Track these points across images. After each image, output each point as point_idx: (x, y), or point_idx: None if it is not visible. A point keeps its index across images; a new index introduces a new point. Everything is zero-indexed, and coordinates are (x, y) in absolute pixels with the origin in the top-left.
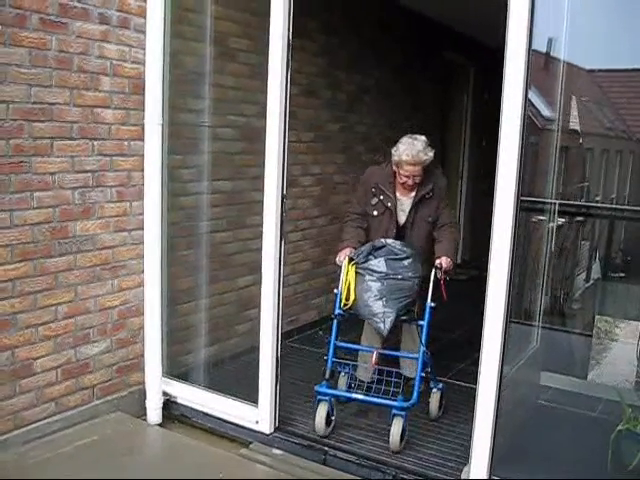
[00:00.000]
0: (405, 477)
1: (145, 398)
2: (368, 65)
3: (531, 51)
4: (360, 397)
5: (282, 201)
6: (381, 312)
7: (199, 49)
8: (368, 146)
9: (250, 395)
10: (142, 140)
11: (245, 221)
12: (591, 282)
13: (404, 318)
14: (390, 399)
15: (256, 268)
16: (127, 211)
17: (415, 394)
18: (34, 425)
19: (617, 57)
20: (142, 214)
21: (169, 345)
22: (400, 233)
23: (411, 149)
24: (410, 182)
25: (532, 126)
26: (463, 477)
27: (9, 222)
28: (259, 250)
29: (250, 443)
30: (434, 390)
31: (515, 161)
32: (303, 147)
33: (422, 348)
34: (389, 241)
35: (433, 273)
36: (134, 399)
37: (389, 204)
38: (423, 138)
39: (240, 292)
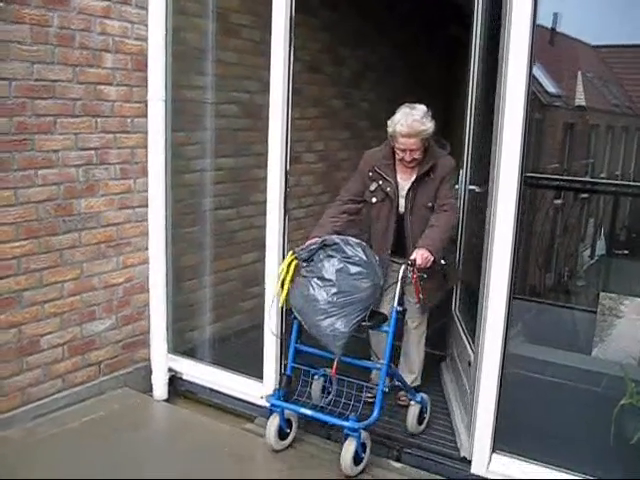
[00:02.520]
0: (409, 451)
1: (151, 374)
2: (372, 41)
3: (535, 21)
4: (309, 413)
5: (286, 178)
6: (330, 333)
7: (201, 25)
8: (372, 122)
9: (255, 371)
10: (145, 117)
11: (249, 198)
12: (595, 259)
13: (367, 324)
14: (344, 417)
15: (260, 245)
16: (131, 188)
17: (375, 412)
18: (41, 401)
19: (623, 33)
20: (146, 191)
21: (174, 322)
22: (400, 224)
23: (406, 118)
24: (407, 158)
25: (536, 103)
26: (463, 454)
27: (14, 200)
28: (263, 227)
29: (255, 418)
30: (412, 403)
31: (519, 137)
32: (307, 124)
33: (385, 360)
34: (341, 238)
35: (402, 269)
36: (140, 375)
37: (388, 189)
38: (422, 107)
39: (244, 269)
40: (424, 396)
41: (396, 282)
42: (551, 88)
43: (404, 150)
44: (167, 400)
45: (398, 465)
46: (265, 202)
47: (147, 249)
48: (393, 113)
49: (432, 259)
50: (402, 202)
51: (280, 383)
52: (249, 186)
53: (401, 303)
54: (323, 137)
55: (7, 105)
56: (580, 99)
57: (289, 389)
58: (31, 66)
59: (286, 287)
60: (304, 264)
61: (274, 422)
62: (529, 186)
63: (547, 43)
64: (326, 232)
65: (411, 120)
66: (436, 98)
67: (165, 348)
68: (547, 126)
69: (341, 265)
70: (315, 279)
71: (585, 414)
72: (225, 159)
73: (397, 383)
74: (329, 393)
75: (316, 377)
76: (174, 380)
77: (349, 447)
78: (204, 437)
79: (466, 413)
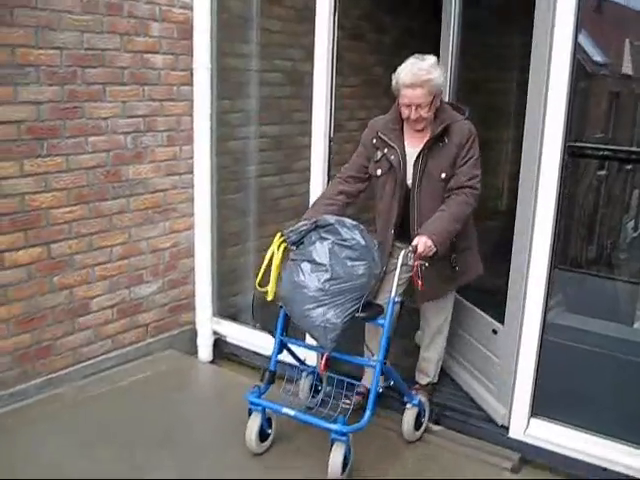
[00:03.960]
0: (447, 413)
1: (196, 337)
2: (413, 8)
3: None
4: (292, 413)
5: (329, 145)
6: (321, 325)
7: None
8: None
9: (297, 333)
10: (191, 85)
11: (292, 165)
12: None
13: (361, 316)
14: (330, 420)
15: (303, 212)
16: (177, 155)
17: (366, 415)
18: (92, 361)
19: None
20: (192, 158)
21: (219, 286)
22: (408, 200)
23: (411, 67)
24: (413, 115)
25: (582, 72)
26: (499, 421)
27: (65, 166)
28: (306, 194)
29: (298, 380)
30: (408, 406)
31: (563, 105)
32: (349, 91)
33: (380, 356)
34: (336, 219)
35: (402, 255)
36: (186, 338)
37: (392, 157)
38: (433, 57)
39: None
40: (422, 399)
41: (395, 270)
42: (597, 57)
43: (409, 105)
44: (212, 362)
45: (437, 428)
46: (308, 170)
47: (193, 215)
48: None
49: (434, 250)
50: (410, 173)
51: (262, 379)
52: (292, 154)
53: (400, 293)
54: (365, 105)
55: (59, 74)
56: (627, 67)
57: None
58: (81, 35)
59: (274, 275)
60: (293, 247)
61: (255, 423)
62: (572, 156)
63: (593, 11)
64: (318, 212)
65: (416, 68)
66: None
67: (210, 312)
68: (592, 95)
69: (335, 248)
70: (305, 263)
71: (624, 383)
72: (269, 127)
73: (391, 383)
74: (318, 392)
75: (304, 374)
76: (218, 343)
77: (337, 452)
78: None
79: (492, 382)
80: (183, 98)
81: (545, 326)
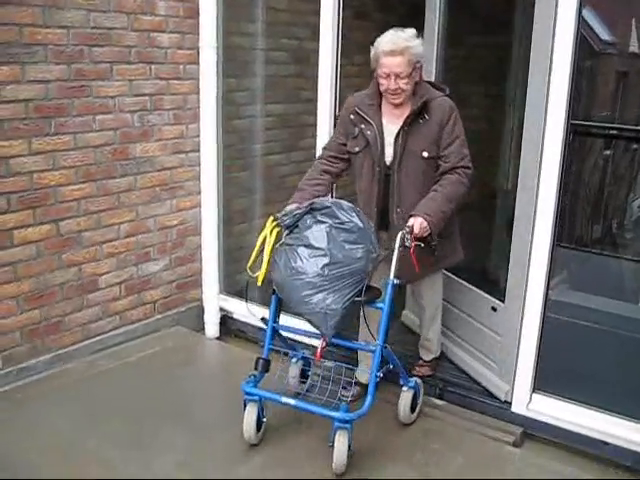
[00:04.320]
0: (451, 389)
1: (203, 314)
2: None
3: None
4: (292, 403)
5: (334, 123)
6: (320, 311)
7: None
8: None
9: None
10: (197, 64)
11: (298, 144)
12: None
13: (360, 299)
14: (332, 408)
15: None
16: (184, 133)
17: (367, 401)
18: (100, 337)
19: None
20: (198, 136)
21: (226, 263)
22: (388, 180)
23: (390, 36)
24: (392, 85)
25: (589, 49)
26: (501, 396)
27: (73, 144)
28: None
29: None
30: (404, 389)
31: (566, 82)
32: (355, 70)
33: (379, 340)
34: (333, 201)
35: (399, 237)
36: (193, 314)
37: (369, 133)
38: (413, 30)
39: None
40: (418, 381)
41: (387, 252)
42: (604, 35)
43: (388, 76)
44: (218, 338)
45: (441, 402)
46: (313, 148)
47: (199, 193)
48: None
49: (429, 232)
50: (389, 151)
51: (256, 367)
52: (298, 132)
53: (397, 276)
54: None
55: (66, 52)
56: (634, 46)
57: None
58: (88, 14)
59: (267, 261)
60: (286, 231)
61: (252, 414)
62: (578, 134)
63: None
64: (306, 199)
65: (396, 37)
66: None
67: (217, 288)
68: (599, 74)
69: (333, 232)
70: (302, 248)
71: (627, 359)
72: (275, 105)
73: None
74: (307, 378)
75: (294, 360)
76: (225, 319)
77: (341, 441)
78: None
79: (493, 359)
80: (189, 77)
81: (547, 303)
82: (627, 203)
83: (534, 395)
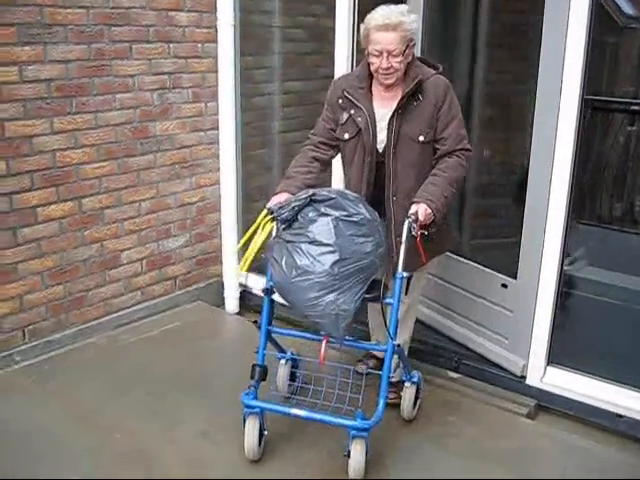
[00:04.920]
0: (466, 362)
1: (223, 289)
2: None
3: None
4: (302, 414)
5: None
6: (332, 313)
7: None
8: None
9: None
10: (215, 42)
11: (315, 121)
12: None
13: (369, 297)
14: (346, 416)
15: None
16: (202, 111)
17: (380, 405)
18: (122, 312)
19: None
20: (217, 114)
21: None
22: (381, 168)
23: (382, 11)
24: (384, 64)
25: (612, 24)
26: (516, 371)
27: (94, 123)
28: None
29: None
30: (407, 385)
31: (581, 57)
32: None
33: (390, 339)
34: (337, 191)
35: (406, 226)
36: (213, 290)
37: (359, 119)
38: (405, 5)
39: None
40: (419, 374)
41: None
42: (628, 9)
43: (380, 53)
44: (238, 313)
45: (456, 375)
46: None
47: (218, 170)
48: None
49: (432, 219)
50: (382, 137)
51: (252, 375)
52: (315, 109)
53: (409, 265)
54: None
55: (86, 32)
56: None
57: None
58: None
59: (250, 257)
60: (283, 226)
61: (253, 428)
62: (598, 110)
63: None
64: (297, 187)
65: (389, 11)
66: None
67: (236, 264)
68: (623, 49)
69: (340, 225)
70: (307, 244)
71: None
72: (292, 83)
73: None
74: (295, 380)
75: (282, 361)
76: (244, 295)
77: (359, 449)
78: None
79: (503, 335)
80: (208, 55)
81: (562, 276)
82: None
83: (548, 368)
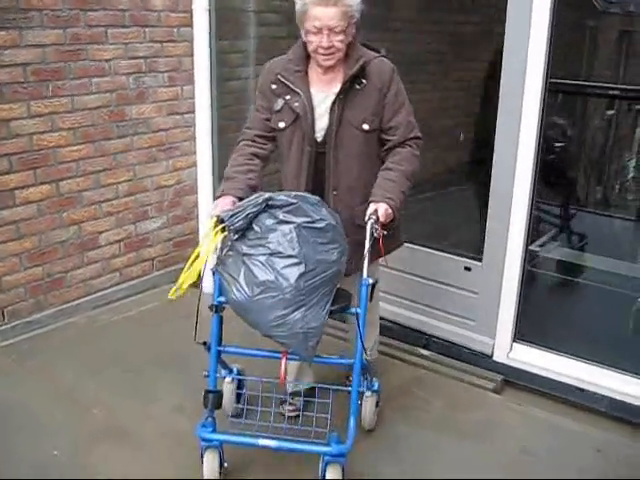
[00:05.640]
0: (436, 339)
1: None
2: None
3: None
4: (272, 445)
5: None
6: (300, 331)
7: None
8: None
9: None
10: (191, 26)
11: None
12: None
13: (334, 309)
14: (318, 441)
15: None
16: (179, 95)
17: (351, 424)
18: (101, 293)
19: None
20: (193, 98)
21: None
22: (321, 159)
23: None
24: (325, 42)
25: (591, 9)
26: (483, 349)
27: (71, 106)
28: None
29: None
30: (367, 394)
31: (544, 40)
32: None
33: (358, 354)
34: (298, 195)
35: (369, 229)
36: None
37: (296, 104)
38: None
39: None
40: (379, 382)
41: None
42: None
43: (319, 30)
44: None
45: (426, 352)
46: None
47: (195, 153)
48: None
49: (391, 218)
50: (322, 124)
51: (205, 404)
52: None
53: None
54: None
55: (61, 17)
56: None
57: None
58: None
59: (188, 280)
60: (235, 236)
61: (212, 462)
62: (572, 94)
63: None
64: (240, 190)
65: None
66: None
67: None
68: (602, 34)
69: (303, 233)
70: (267, 257)
71: (613, 314)
72: None
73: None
74: (239, 400)
75: (227, 379)
76: None
77: (337, 475)
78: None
79: (469, 317)
80: (184, 39)
81: (526, 257)
82: (628, 166)
83: (514, 345)
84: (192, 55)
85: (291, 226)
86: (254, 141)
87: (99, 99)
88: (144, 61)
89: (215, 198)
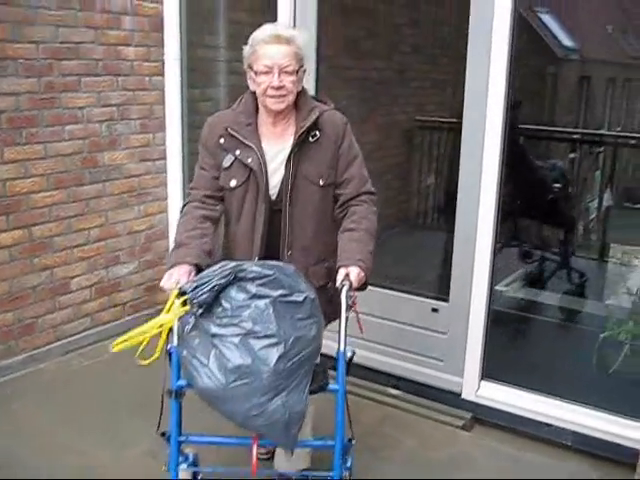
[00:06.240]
0: (405, 379)
1: None
2: None
3: None
4: None
5: None
6: (283, 417)
7: None
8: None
9: None
10: (162, 75)
11: None
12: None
13: (312, 388)
14: None
15: None
16: (150, 142)
17: None
18: (73, 338)
19: None
20: (164, 145)
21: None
22: (276, 218)
23: (273, 25)
24: (275, 83)
25: (551, 56)
26: (452, 388)
27: (44, 153)
28: None
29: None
30: (345, 474)
31: (503, 87)
32: None
33: (339, 434)
34: (274, 265)
35: (344, 297)
36: None
37: (249, 160)
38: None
39: None
40: (352, 458)
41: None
42: (566, 41)
43: (270, 69)
44: None
45: (396, 392)
46: None
47: (166, 199)
48: None
49: (365, 277)
50: (275, 181)
51: None
52: None
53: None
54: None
55: (36, 66)
56: (597, 52)
57: None
58: (56, 30)
59: (136, 340)
60: (200, 311)
61: None
62: (539, 139)
63: None
64: (196, 256)
65: (280, 26)
66: None
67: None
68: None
69: (279, 307)
70: (241, 338)
71: (576, 350)
72: None
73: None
74: None
75: (184, 466)
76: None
77: None
78: None
79: (437, 358)
80: (155, 88)
81: (492, 297)
82: (588, 206)
83: (482, 382)
84: (163, 103)
85: (267, 301)
86: (204, 202)
87: (72, 146)
88: (117, 109)
89: (168, 267)
